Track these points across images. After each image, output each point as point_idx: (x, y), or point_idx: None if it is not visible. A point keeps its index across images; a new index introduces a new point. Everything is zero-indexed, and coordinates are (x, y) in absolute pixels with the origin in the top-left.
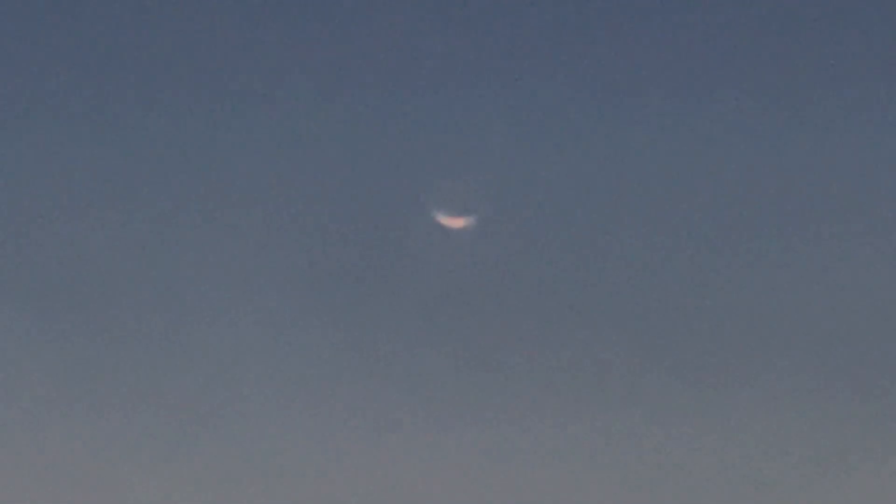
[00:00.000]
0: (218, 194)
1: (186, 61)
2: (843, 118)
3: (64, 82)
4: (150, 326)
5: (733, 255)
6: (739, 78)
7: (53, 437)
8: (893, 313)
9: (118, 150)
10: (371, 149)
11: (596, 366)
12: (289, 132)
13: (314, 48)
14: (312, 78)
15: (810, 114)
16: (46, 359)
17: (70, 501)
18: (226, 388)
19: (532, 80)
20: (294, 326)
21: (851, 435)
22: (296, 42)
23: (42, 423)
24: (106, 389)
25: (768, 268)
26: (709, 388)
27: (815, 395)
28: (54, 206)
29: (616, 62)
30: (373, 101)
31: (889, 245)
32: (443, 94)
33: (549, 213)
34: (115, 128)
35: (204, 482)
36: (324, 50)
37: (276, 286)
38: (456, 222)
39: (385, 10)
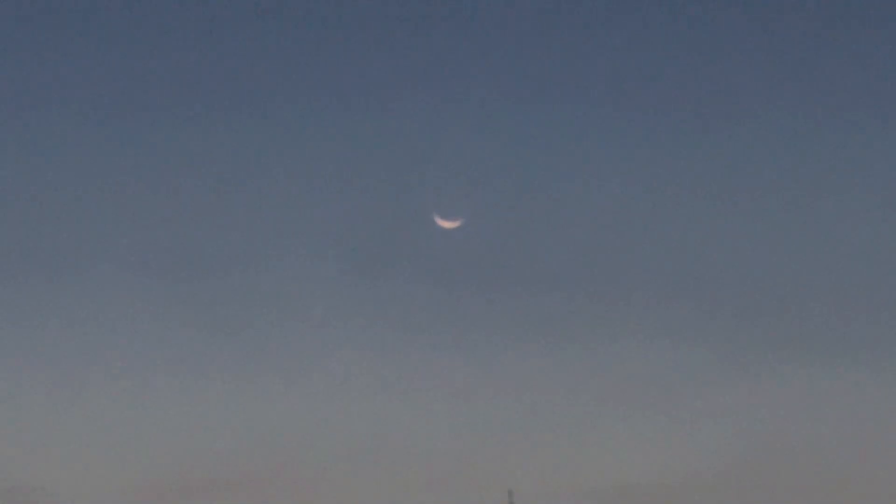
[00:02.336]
0: (279, 210)
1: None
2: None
3: (109, 83)
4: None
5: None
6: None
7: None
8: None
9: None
10: (384, 165)
11: (558, 331)
12: (322, 156)
13: (338, 80)
14: (339, 108)
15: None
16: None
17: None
18: (293, 328)
19: (516, 112)
20: (335, 292)
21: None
22: (321, 75)
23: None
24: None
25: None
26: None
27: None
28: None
29: (586, 95)
30: (386, 130)
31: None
32: (442, 124)
33: (525, 216)
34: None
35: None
36: (347, 82)
37: (321, 265)
38: (450, 224)
39: (393, 44)
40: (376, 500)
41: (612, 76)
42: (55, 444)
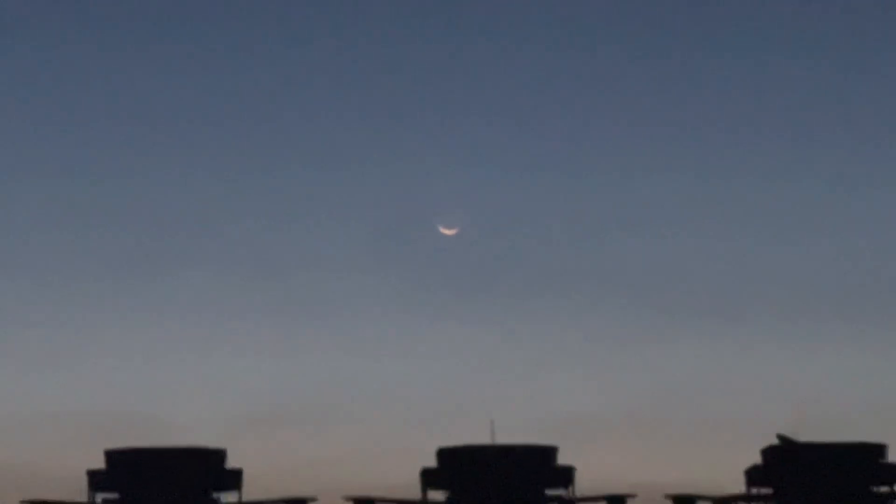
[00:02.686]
0: (327, 223)
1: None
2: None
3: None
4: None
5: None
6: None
7: None
8: None
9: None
10: (401, 187)
11: (525, 305)
12: (358, 184)
13: (368, 117)
14: (369, 143)
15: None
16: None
17: None
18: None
19: (503, 142)
20: (365, 279)
21: None
22: (351, 112)
23: None
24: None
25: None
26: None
27: None
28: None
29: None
30: (403, 163)
31: None
32: (443, 154)
33: (510, 227)
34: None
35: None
36: (372, 118)
37: (355, 260)
38: (450, 231)
39: (401, 83)
40: (387, 427)
41: (587, 104)
42: (168, 382)
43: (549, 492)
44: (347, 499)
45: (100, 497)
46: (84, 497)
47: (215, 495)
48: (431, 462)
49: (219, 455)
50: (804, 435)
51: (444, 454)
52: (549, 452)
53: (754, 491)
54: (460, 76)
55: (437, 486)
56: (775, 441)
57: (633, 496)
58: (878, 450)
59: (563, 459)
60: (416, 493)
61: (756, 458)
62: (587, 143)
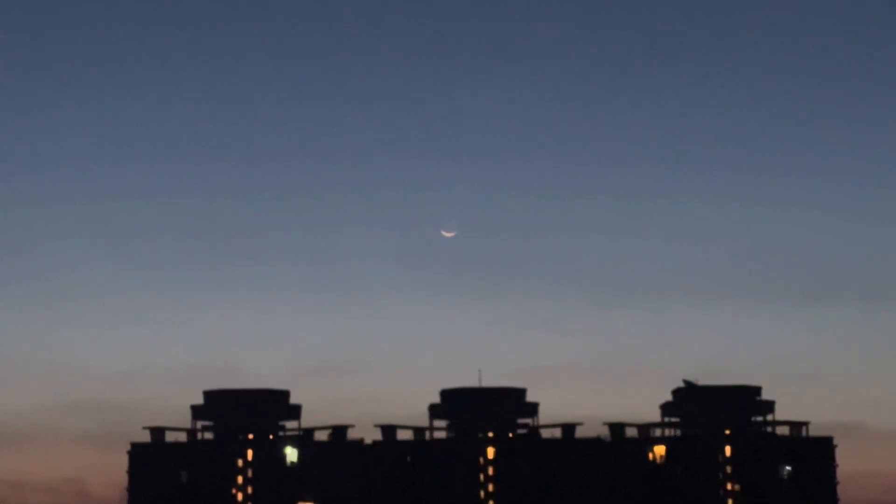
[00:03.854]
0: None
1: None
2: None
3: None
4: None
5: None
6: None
7: None
8: None
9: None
10: (412, 203)
11: (503, 285)
12: (381, 201)
13: (373, 136)
14: (381, 164)
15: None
16: None
17: None
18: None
19: (494, 157)
20: (387, 269)
21: None
22: (364, 133)
23: None
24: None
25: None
26: None
27: None
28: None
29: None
30: (413, 187)
31: None
32: (443, 170)
33: (494, 231)
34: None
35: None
36: (381, 142)
37: (379, 257)
38: (449, 234)
39: (399, 101)
40: (404, 374)
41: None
42: (247, 341)
43: (520, 420)
44: (376, 426)
45: (199, 424)
46: (188, 424)
47: (281, 423)
48: (436, 399)
49: (284, 394)
50: (703, 380)
51: (445, 393)
52: (520, 392)
53: (667, 419)
54: (460, 119)
55: (440, 417)
56: (682, 384)
57: (580, 424)
58: (756, 390)
59: (530, 397)
60: (425, 422)
61: (668, 396)
62: (555, 172)
